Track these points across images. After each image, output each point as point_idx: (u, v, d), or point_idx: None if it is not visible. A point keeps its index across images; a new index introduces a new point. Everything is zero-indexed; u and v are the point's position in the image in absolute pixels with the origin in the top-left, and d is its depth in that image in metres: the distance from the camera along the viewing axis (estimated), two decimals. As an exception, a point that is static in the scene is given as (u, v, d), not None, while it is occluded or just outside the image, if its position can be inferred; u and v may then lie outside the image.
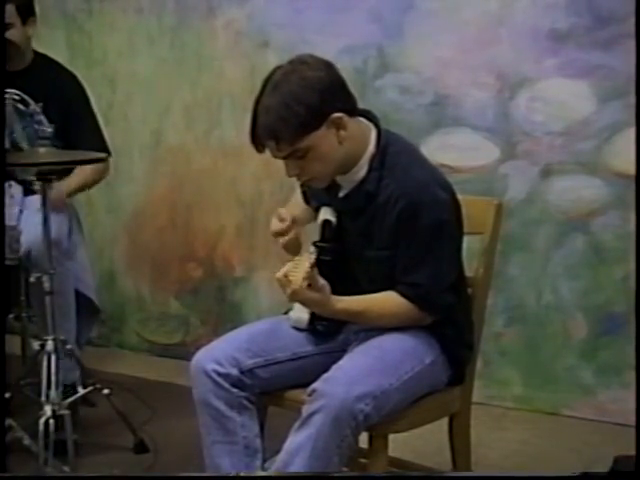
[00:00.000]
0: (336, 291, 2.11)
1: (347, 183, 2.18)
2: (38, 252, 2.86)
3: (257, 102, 2.09)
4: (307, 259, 2.02)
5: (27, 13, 3.17)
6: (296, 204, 2.41)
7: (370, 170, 2.14)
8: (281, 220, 2.22)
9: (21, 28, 3.14)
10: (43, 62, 3.25)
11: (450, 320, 2.21)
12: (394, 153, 2.15)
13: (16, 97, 3.12)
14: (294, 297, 2.05)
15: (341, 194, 2.21)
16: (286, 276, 2.02)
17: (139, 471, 2.81)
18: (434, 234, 2.10)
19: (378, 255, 2.16)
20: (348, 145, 2.11)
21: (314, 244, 2.18)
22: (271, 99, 2.05)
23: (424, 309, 2.15)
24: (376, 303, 2.16)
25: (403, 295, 2.13)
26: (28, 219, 2.96)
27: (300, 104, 2.03)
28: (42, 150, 2.78)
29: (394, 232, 2.11)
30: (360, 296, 2.16)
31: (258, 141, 2.10)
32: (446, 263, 2.15)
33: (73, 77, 3.27)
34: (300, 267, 2.01)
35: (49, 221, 2.77)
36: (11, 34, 3.10)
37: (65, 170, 3.12)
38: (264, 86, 2.09)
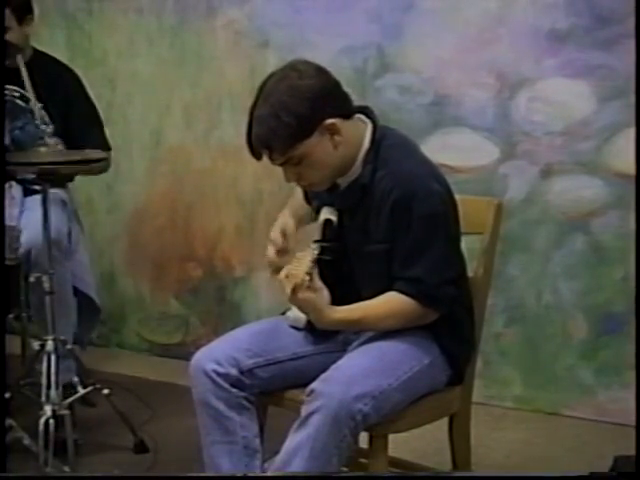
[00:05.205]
0: (335, 294, 2.09)
1: (344, 180, 2.19)
2: (38, 251, 2.86)
3: (251, 111, 2.10)
4: (309, 255, 2.02)
5: (23, 12, 3.14)
6: (295, 205, 2.40)
7: (364, 164, 2.14)
8: (278, 250, 2.20)
9: (18, 29, 3.13)
10: (42, 59, 3.24)
11: (449, 320, 2.20)
12: (388, 146, 2.15)
13: (16, 94, 3.13)
14: (295, 294, 2.02)
15: (339, 191, 2.20)
16: (287, 276, 2.01)
17: (139, 471, 2.81)
18: (429, 226, 2.09)
19: (376, 249, 2.14)
20: (344, 149, 2.12)
21: (315, 243, 2.16)
22: (262, 109, 2.07)
23: (427, 304, 2.12)
24: (375, 308, 2.14)
25: (403, 292, 2.11)
26: (28, 218, 2.96)
27: (289, 114, 2.03)
28: (42, 150, 2.78)
29: (390, 225, 2.11)
30: (358, 303, 2.14)
31: (254, 150, 2.11)
32: (444, 256, 2.12)
33: (73, 73, 3.27)
34: (302, 262, 2.01)
35: (49, 221, 2.77)
36: (8, 36, 3.09)
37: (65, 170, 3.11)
38: (258, 94, 2.10)
